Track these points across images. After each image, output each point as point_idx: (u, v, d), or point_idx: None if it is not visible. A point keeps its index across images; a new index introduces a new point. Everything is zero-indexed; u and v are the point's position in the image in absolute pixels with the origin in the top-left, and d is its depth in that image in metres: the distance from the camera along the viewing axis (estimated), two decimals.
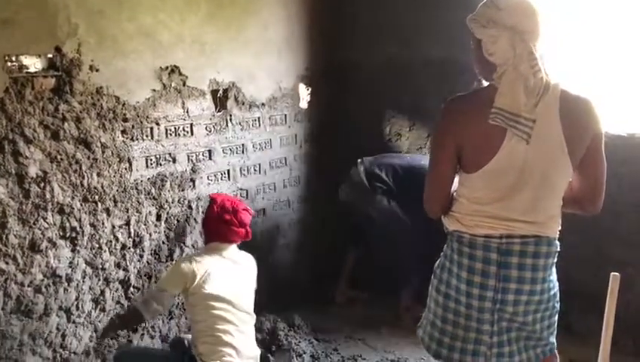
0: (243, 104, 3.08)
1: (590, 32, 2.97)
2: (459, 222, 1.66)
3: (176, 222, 2.76)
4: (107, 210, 2.43)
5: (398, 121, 3.67)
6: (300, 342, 2.94)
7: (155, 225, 2.67)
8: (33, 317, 2.21)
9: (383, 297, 3.44)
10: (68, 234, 2.28)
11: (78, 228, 2.31)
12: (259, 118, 3.21)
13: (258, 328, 2.87)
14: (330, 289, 3.58)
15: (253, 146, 3.20)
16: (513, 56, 1.50)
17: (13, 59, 2.06)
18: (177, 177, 2.74)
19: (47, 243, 2.21)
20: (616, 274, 1.89)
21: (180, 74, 2.70)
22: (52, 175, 2.20)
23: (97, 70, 2.33)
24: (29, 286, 2.18)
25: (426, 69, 3.44)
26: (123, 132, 2.47)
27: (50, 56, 2.17)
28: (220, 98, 2.94)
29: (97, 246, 2.41)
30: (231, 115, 3.01)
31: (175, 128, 2.72)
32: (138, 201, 2.56)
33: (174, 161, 2.72)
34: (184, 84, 2.73)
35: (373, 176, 3.23)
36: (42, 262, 2.21)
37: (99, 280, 2.45)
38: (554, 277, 1.67)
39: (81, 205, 2.32)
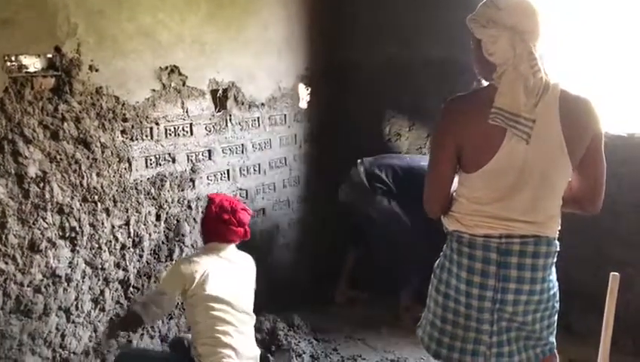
0: (243, 104, 3.08)
1: (590, 32, 2.97)
2: (458, 222, 1.66)
3: (175, 222, 2.76)
4: (107, 210, 2.43)
5: (397, 121, 3.68)
6: (299, 342, 2.94)
7: (155, 225, 2.67)
8: (33, 317, 2.21)
9: (382, 297, 3.44)
10: (67, 234, 2.28)
11: (77, 228, 2.31)
12: (258, 118, 3.21)
13: (258, 328, 2.86)
14: (329, 289, 3.58)
15: (253, 146, 3.20)
16: (513, 56, 1.50)
17: (13, 58, 2.06)
18: (177, 177, 2.74)
19: (47, 243, 2.21)
20: (616, 273, 1.89)
21: (180, 74, 2.70)
22: (51, 175, 2.20)
23: (97, 70, 2.33)
24: (28, 286, 2.18)
25: (425, 69, 3.45)
26: (122, 132, 2.47)
27: (49, 56, 2.17)
28: (220, 98, 2.94)
29: (97, 246, 2.41)
30: (230, 115, 3.01)
31: (175, 128, 2.72)
32: (138, 201, 2.56)
33: (174, 161, 2.72)
34: (184, 84, 2.73)
35: (373, 177, 3.24)
36: (42, 262, 2.21)
37: (98, 280, 2.45)
38: (553, 276, 1.67)
39: (81, 205, 2.32)
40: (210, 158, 2.92)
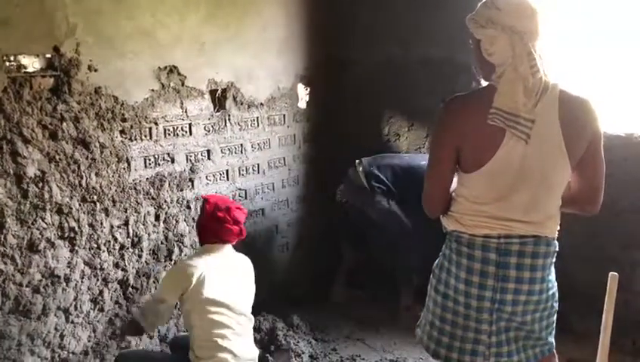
0: (242, 104, 3.07)
1: (590, 32, 2.97)
2: (458, 222, 1.66)
3: (175, 222, 2.76)
4: (106, 210, 2.42)
5: (396, 121, 3.67)
6: (298, 341, 2.94)
7: (154, 225, 2.67)
8: (31, 317, 2.21)
9: (382, 297, 3.44)
10: (66, 234, 2.28)
11: (76, 228, 2.31)
12: (257, 118, 3.21)
13: (257, 328, 2.87)
14: (328, 289, 3.58)
15: (252, 146, 3.20)
16: (512, 56, 1.50)
17: (12, 58, 2.06)
18: (176, 177, 2.74)
19: (46, 244, 2.21)
20: (615, 273, 1.89)
21: (179, 74, 2.70)
22: (50, 175, 2.19)
23: (96, 70, 2.33)
24: (27, 286, 2.17)
25: (425, 69, 3.44)
26: (121, 132, 2.47)
27: (48, 55, 2.17)
28: (219, 98, 2.94)
29: (96, 246, 2.41)
30: (229, 115, 3.00)
31: (174, 128, 2.72)
32: (137, 201, 2.56)
33: (173, 161, 2.72)
34: (183, 84, 2.72)
35: (372, 177, 3.23)
36: (40, 262, 2.20)
37: (97, 280, 2.44)
38: (552, 277, 1.67)
39: (80, 205, 2.32)
40: (209, 158, 2.92)
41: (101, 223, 2.41)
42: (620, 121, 2.88)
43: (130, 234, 2.55)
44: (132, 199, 2.53)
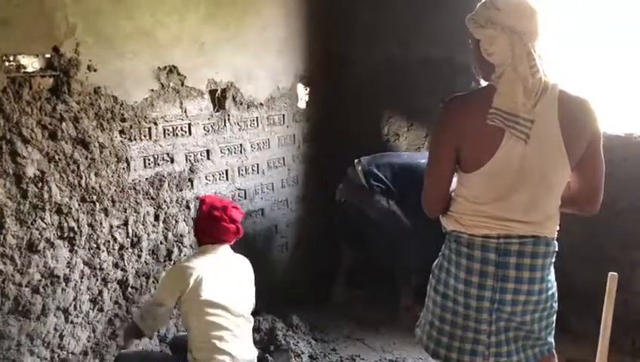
0: (241, 104, 3.07)
1: (590, 32, 2.97)
2: (457, 222, 1.66)
3: (174, 222, 2.76)
4: (105, 210, 2.42)
5: (396, 121, 3.67)
6: (298, 342, 2.94)
7: (153, 225, 2.66)
8: (31, 317, 2.21)
9: (381, 297, 3.44)
10: (66, 235, 2.28)
11: (75, 229, 2.31)
12: (257, 118, 3.21)
13: (256, 328, 2.87)
14: (328, 289, 3.58)
15: (252, 146, 3.20)
16: (512, 56, 1.50)
17: (11, 58, 2.06)
18: (175, 177, 2.74)
19: (45, 244, 2.21)
20: (614, 273, 1.89)
21: (179, 74, 2.70)
22: (50, 175, 2.19)
23: (95, 70, 2.33)
24: (26, 286, 2.17)
25: (424, 69, 3.45)
26: (121, 132, 2.47)
27: (48, 55, 2.17)
28: (218, 98, 2.94)
29: (95, 246, 2.41)
30: (229, 115, 3.00)
31: (173, 128, 2.72)
32: (136, 201, 2.56)
33: (172, 161, 2.72)
34: (182, 84, 2.72)
35: (370, 175, 3.23)
36: (40, 262, 2.20)
37: (97, 280, 2.44)
38: (552, 277, 1.67)
39: (79, 205, 2.32)
40: (208, 158, 2.92)
41: (100, 223, 2.41)
42: (619, 121, 2.88)
43: (130, 234, 2.55)
44: (131, 199, 2.53)
